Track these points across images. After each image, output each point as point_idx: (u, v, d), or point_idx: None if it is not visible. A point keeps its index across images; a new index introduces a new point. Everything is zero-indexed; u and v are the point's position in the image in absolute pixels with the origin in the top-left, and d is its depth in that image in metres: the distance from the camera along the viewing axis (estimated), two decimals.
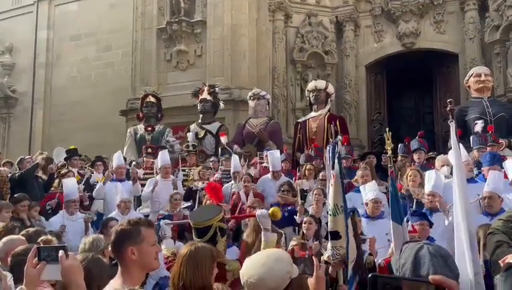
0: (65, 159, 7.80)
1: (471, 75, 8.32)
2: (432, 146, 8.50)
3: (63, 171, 6.72)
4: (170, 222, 4.38)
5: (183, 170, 7.31)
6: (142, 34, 11.25)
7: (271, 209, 3.66)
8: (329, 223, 3.56)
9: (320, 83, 9.61)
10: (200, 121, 9.40)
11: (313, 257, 2.68)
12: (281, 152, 8.12)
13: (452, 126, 3.18)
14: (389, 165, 3.74)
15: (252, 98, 9.44)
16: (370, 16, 11.53)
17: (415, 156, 6.59)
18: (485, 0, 10.19)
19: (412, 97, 13.94)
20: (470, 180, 5.46)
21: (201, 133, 9.11)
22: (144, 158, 8.02)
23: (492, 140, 6.75)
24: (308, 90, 9.78)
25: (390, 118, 12.45)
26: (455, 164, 3.34)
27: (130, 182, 6.77)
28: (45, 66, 14.25)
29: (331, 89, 9.61)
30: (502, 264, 2.14)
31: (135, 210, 6.17)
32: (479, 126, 7.26)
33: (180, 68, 10.92)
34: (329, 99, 9.59)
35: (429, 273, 1.54)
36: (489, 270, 3.29)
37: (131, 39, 11.58)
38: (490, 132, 6.96)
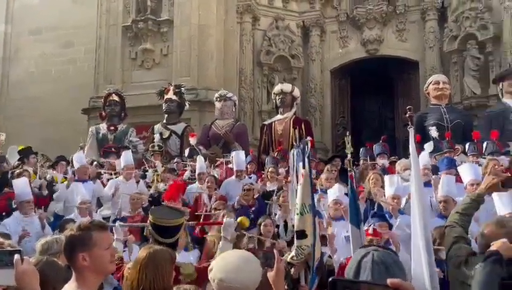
0: (20, 158, 7.46)
1: (430, 82, 8.68)
2: (393, 150, 8.75)
3: (17, 171, 6.41)
4: (124, 224, 4.25)
5: (147, 171, 7.17)
6: (106, 31, 10.98)
7: (239, 219, 3.65)
8: (295, 223, 3.58)
9: (287, 86, 9.71)
10: (164, 121, 9.27)
11: (274, 250, 2.69)
12: (247, 154, 8.15)
13: (411, 132, 3.28)
14: (348, 169, 3.82)
15: (218, 99, 9.41)
16: (336, 21, 11.76)
17: (379, 160, 6.77)
18: (444, 11, 10.62)
19: (375, 102, 14.31)
20: (425, 184, 5.68)
21: (166, 134, 8.99)
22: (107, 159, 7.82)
23: (449, 146, 7.05)
24: (274, 93, 9.86)
25: (354, 122, 12.73)
26: (413, 169, 3.46)
27: (92, 182, 6.58)
28: (2, 60, 13.67)
29: (297, 92, 9.73)
30: None
31: (96, 212, 5.99)
32: (433, 132, 7.56)
33: (145, 67, 10.74)
34: (295, 103, 9.72)
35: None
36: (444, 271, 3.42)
37: (95, 36, 11.28)
38: (447, 138, 7.27)
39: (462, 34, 10.02)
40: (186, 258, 4.01)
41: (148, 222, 3.07)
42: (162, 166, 7.14)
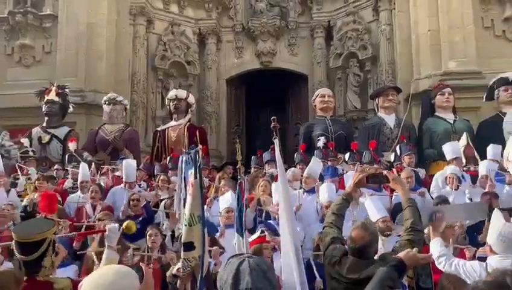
0: None
1: (317, 95, 9.26)
2: (283, 159, 9.10)
3: None
4: None
5: (18, 179, 6.44)
6: None
7: (125, 223, 3.41)
8: (183, 234, 3.47)
9: (181, 93, 9.56)
10: (44, 124, 8.47)
11: (141, 264, 2.58)
12: (138, 161, 7.80)
13: (276, 143, 3.40)
14: (238, 177, 3.84)
15: (107, 102, 8.89)
16: (232, 31, 11.95)
17: (267, 167, 6.97)
18: (330, 30, 11.45)
19: (269, 112, 14.81)
20: (311, 191, 6.02)
21: (46, 138, 8.21)
22: None
23: (333, 155, 7.57)
24: (168, 99, 9.64)
25: (248, 131, 13.03)
26: (280, 179, 3.59)
27: None
28: None
29: (191, 99, 9.64)
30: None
31: None
32: (321, 142, 8.06)
33: (23, 64, 9.75)
34: (189, 110, 9.61)
35: (248, 287, 1.61)
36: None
37: None
38: (331, 148, 7.79)
39: (346, 52, 10.89)
40: (63, 273, 3.66)
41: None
42: (37, 173, 6.47)
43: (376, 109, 9.04)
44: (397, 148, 7.56)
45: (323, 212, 5.32)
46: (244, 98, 12.74)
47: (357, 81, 10.94)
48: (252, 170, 7.47)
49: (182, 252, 3.38)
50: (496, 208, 3.69)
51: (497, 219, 3.22)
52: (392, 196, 5.77)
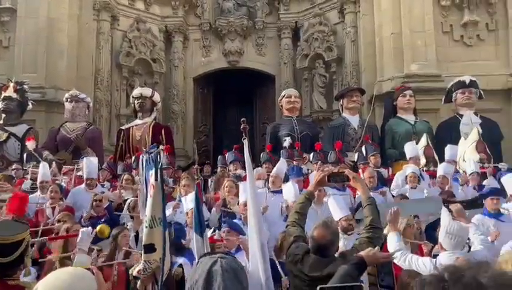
0: None
1: (284, 96, 9.34)
2: (251, 158, 9.12)
3: None
4: None
5: None
6: None
7: (99, 227, 3.31)
8: (144, 236, 3.43)
9: (146, 91, 9.42)
10: (2, 121, 8.12)
11: (94, 267, 2.53)
12: (101, 160, 7.62)
13: (245, 143, 3.42)
14: (196, 177, 3.81)
15: (69, 100, 8.64)
16: (199, 30, 11.87)
17: (232, 167, 6.97)
18: (297, 31, 11.57)
19: (236, 111, 14.82)
20: (277, 191, 6.06)
21: (3, 136, 7.89)
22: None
23: (298, 155, 7.65)
24: (133, 97, 9.48)
25: (216, 130, 12.98)
26: (248, 179, 3.61)
27: None
28: None
29: (157, 97, 9.50)
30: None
31: None
32: (287, 142, 8.14)
33: None
34: (155, 108, 9.48)
35: (220, 289, 1.60)
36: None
37: None
38: (297, 148, 7.88)
39: (312, 53, 11.04)
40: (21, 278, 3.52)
41: None
42: None
43: (341, 110, 9.21)
44: (362, 148, 7.73)
45: (288, 212, 5.36)
46: (211, 97, 12.68)
47: (322, 82, 11.11)
48: (219, 169, 7.45)
49: (143, 254, 3.34)
50: (443, 208, 3.85)
51: (444, 217, 3.36)
52: (355, 195, 5.90)
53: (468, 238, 3.78)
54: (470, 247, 3.78)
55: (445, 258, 3.20)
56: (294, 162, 7.28)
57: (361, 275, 2.53)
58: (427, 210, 4.57)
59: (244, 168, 7.60)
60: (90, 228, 3.17)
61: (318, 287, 1.80)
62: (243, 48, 11.78)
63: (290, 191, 5.33)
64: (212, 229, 4.46)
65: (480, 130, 7.48)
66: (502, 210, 4.70)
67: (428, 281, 1.05)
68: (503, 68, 9.14)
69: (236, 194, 5.73)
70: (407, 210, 4.18)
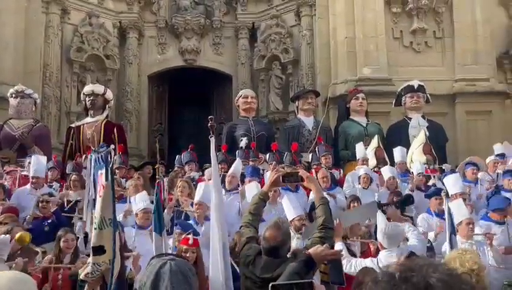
0: None
1: (240, 96, 9.36)
2: (208, 159, 9.05)
3: None
4: None
5: None
6: None
7: (18, 234, 3.13)
8: (93, 237, 3.31)
9: (98, 88, 9.10)
10: None
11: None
12: (49, 159, 7.29)
13: (212, 141, 3.42)
14: (156, 177, 3.76)
15: (14, 95, 8.21)
16: (155, 27, 11.62)
17: (187, 168, 6.89)
18: (255, 32, 11.61)
19: (193, 111, 14.66)
20: (233, 190, 6.06)
21: None
22: None
23: (254, 155, 7.68)
24: (84, 94, 9.13)
25: (171, 129, 12.76)
26: (213, 177, 3.61)
27: None
28: None
29: (109, 95, 9.21)
30: None
31: None
32: (243, 142, 8.15)
33: None
34: (107, 106, 9.18)
35: None
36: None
37: None
38: (253, 148, 7.90)
39: (269, 54, 11.12)
40: None
41: None
42: None
43: (296, 111, 9.34)
44: (316, 149, 7.88)
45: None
46: (167, 95, 12.45)
47: (279, 83, 11.21)
48: (175, 169, 7.34)
49: (92, 256, 3.23)
50: (379, 212, 4.05)
51: (380, 220, 3.54)
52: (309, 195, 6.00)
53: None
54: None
55: (384, 256, 3.36)
56: (250, 163, 7.31)
57: (310, 272, 2.56)
58: (364, 217, 4.75)
59: (200, 169, 7.60)
60: (8, 235, 2.99)
61: (270, 285, 1.80)
62: (199, 46, 11.66)
63: (254, 191, 5.33)
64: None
65: (427, 133, 7.84)
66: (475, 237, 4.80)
67: (381, 279, 1.08)
68: (449, 74, 9.63)
69: (190, 195, 5.68)
70: (348, 219, 4.37)
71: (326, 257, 2.59)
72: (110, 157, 3.89)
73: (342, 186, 6.74)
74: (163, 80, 12.22)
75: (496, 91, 9.52)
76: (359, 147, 7.48)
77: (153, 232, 3.55)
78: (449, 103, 9.49)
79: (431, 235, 4.68)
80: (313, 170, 6.99)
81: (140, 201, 5.01)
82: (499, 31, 10.48)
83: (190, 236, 3.84)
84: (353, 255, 4.12)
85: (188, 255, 3.66)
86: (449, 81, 9.54)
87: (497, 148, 7.53)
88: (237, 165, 6.45)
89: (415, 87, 8.55)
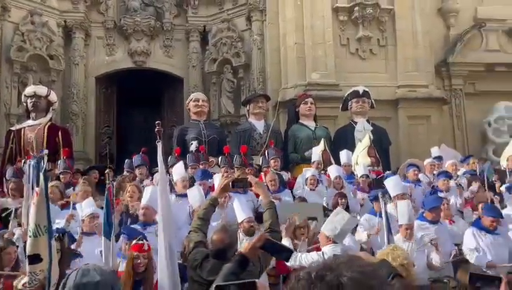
0: None
1: (191, 99, 9.32)
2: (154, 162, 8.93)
3: None
4: None
5: None
6: None
7: None
8: (28, 246, 3.20)
9: (41, 89, 8.72)
10: None
11: None
12: None
13: (159, 146, 3.40)
14: (107, 181, 3.69)
15: None
16: (102, 27, 11.30)
17: (137, 171, 6.76)
18: (206, 35, 11.59)
19: (143, 114, 14.37)
20: (183, 194, 6.03)
21: None
22: None
23: (204, 159, 7.68)
24: (25, 96, 8.71)
25: (120, 132, 12.45)
26: (160, 183, 3.60)
27: None
28: None
29: (53, 96, 8.85)
30: None
31: None
32: (194, 146, 8.12)
33: None
34: (51, 108, 8.81)
35: None
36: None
37: None
38: (202, 152, 7.90)
39: (220, 58, 11.13)
40: None
41: None
42: None
43: (247, 115, 9.44)
44: (266, 153, 8.01)
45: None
46: (115, 98, 12.13)
47: (230, 87, 11.25)
48: (125, 173, 7.18)
49: (28, 265, 3.13)
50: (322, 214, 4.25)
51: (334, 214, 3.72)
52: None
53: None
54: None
55: (329, 251, 3.54)
56: (201, 166, 7.30)
57: (245, 271, 2.58)
58: (304, 215, 4.93)
59: (150, 174, 7.47)
60: None
61: (213, 285, 1.82)
62: (150, 48, 11.47)
63: (195, 195, 5.33)
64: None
65: (372, 137, 8.19)
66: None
67: (301, 277, 1.12)
68: (392, 80, 10.11)
69: (139, 199, 5.58)
70: (288, 209, 4.53)
71: (254, 246, 2.59)
72: (43, 163, 3.78)
73: (291, 189, 6.89)
74: (111, 82, 11.90)
75: (434, 97, 10.12)
76: (315, 151, 7.67)
77: (102, 237, 3.49)
78: (392, 108, 9.97)
79: (364, 235, 4.98)
80: (262, 173, 7.12)
81: (86, 207, 4.89)
82: (438, 41, 11.18)
83: (144, 242, 3.78)
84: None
85: (139, 261, 3.61)
86: (392, 87, 10.01)
87: (434, 151, 8.02)
88: (179, 168, 6.40)
89: (360, 93, 8.90)
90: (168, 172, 6.00)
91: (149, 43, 11.46)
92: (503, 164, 8.10)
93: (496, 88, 11.06)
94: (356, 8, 9.96)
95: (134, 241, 3.85)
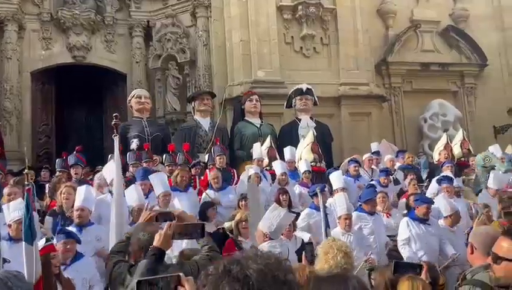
0: None
1: (133, 96, 9.06)
2: (101, 160, 8.61)
3: None
4: None
5: None
6: None
7: None
8: None
9: None
10: None
11: None
12: None
13: (116, 140, 3.28)
14: (25, 183, 3.48)
15: None
16: (38, 20, 10.69)
17: (72, 171, 6.48)
18: (150, 30, 11.30)
19: (83, 110, 13.82)
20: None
21: None
22: None
23: (147, 157, 7.49)
24: None
25: (59, 130, 11.87)
26: (115, 179, 3.49)
27: None
28: None
29: None
30: None
31: None
32: (134, 144, 7.91)
33: None
34: None
35: None
36: None
37: None
38: (146, 150, 7.70)
39: (165, 54, 10.89)
40: None
41: None
42: None
43: (192, 112, 9.32)
44: (212, 150, 7.94)
45: (133, 216, 5.22)
46: (53, 94, 11.55)
47: (176, 83, 11.05)
48: (57, 173, 6.83)
49: None
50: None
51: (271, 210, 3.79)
52: None
53: None
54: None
55: (265, 247, 3.60)
56: (144, 164, 7.11)
57: (162, 263, 2.53)
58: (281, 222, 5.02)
59: (92, 171, 7.18)
60: None
61: (135, 280, 1.73)
62: (90, 43, 11.00)
63: (133, 194, 5.18)
64: (44, 239, 4.06)
65: (315, 133, 8.37)
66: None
67: (210, 272, 1.13)
68: (335, 78, 10.39)
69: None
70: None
71: (166, 235, 2.52)
72: None
73: (236, 185, 6.89)
74: (48, 78, 11.31)
75: (374, 94, 10.53)
76: (255, 147, 7.70)
77: (23, 242, 3.29)
78: (335, 105, 10.25)
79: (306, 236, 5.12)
80: (208, 170, 7.06)
81: (14, 210, 4.57)
82: (378, 40, 11.64)
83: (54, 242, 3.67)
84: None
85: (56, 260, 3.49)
86: (335, 85, 10.29)
87: (373, 146, 8.34)
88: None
89: (304, 90, 9.07)
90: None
91: (89, 37, 11.00)
92: (436, 157, 8.59)
93: (431, 86, 11.72)
94: (300, 7, 10.13)
95: (43, 244, 3.68)
